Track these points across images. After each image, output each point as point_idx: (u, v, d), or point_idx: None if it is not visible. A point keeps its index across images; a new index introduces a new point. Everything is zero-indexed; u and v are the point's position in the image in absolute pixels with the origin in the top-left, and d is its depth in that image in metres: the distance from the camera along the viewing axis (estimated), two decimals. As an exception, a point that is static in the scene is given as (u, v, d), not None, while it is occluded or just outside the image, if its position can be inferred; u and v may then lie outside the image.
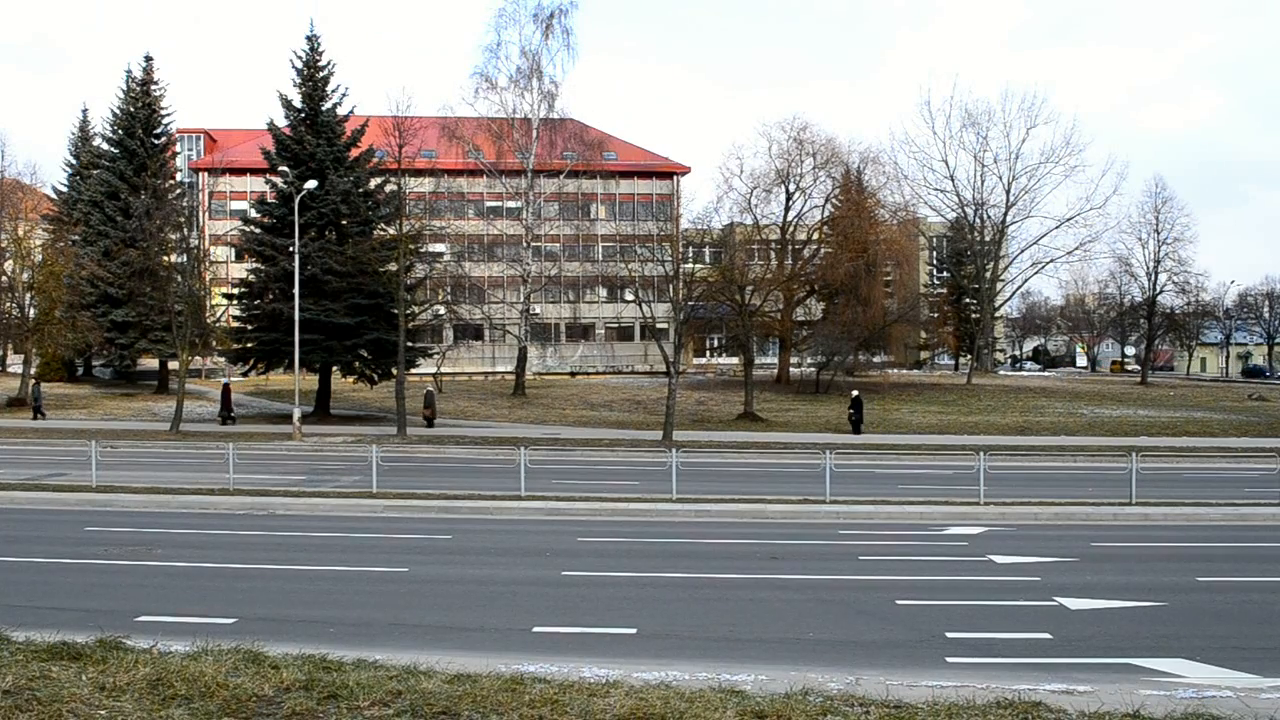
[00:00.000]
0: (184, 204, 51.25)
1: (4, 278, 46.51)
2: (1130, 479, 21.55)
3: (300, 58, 44.27)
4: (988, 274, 72.75)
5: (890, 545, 17.03)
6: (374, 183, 44.85)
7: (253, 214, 46.66)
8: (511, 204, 61.57)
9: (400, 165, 38.75)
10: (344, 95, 44.62)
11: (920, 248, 74.36)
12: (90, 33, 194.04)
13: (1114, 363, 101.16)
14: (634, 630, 10.90)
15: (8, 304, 46.95)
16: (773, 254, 57.81)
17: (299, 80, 44.31)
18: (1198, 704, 7.85)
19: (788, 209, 57.53)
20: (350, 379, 45.49)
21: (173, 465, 28.57)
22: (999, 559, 15.46)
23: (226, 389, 42.69)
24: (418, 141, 40.90)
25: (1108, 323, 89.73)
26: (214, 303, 47.62)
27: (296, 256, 37.50)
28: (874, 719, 7.16)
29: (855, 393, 42.70)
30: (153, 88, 53.25)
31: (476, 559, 15.57)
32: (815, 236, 58.57)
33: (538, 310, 63.33)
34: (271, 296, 42.76)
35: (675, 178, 70.81)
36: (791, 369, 60.62)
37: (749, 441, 36.63)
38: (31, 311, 47.45)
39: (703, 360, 74.08)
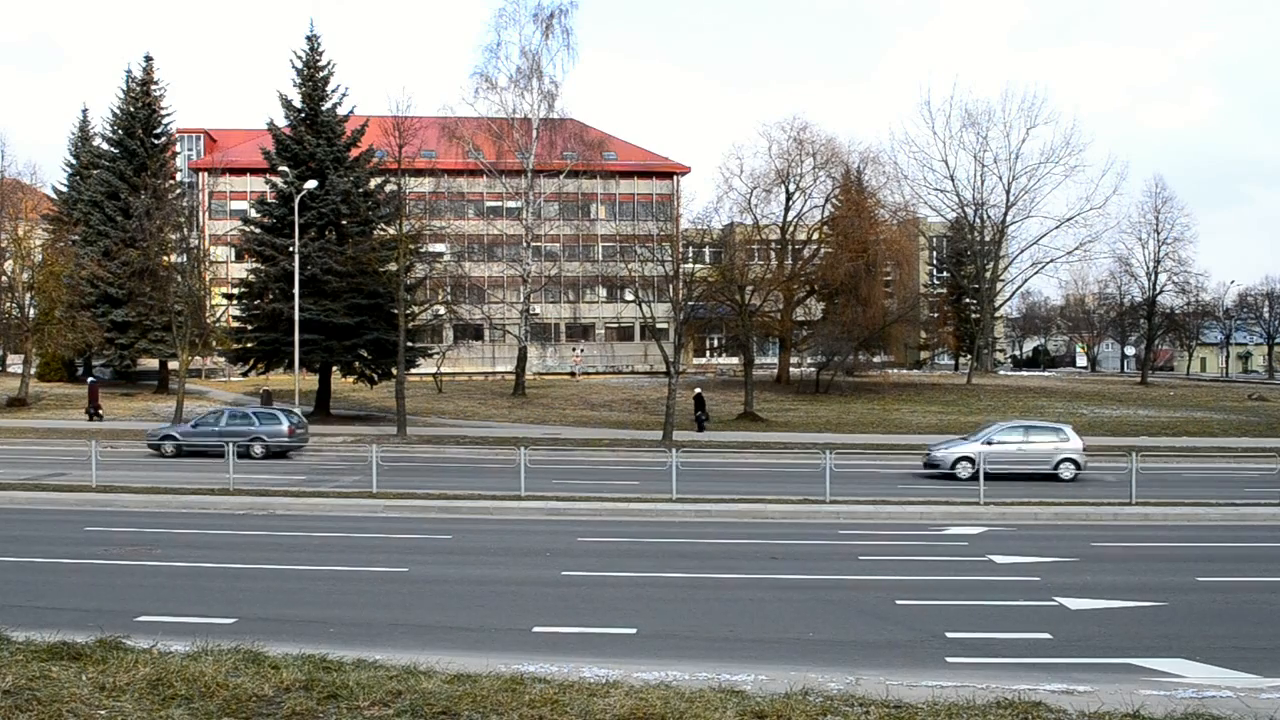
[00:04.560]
0: (184, 204, 51.15)
1: (4, 278, 46.51)
2: (1130, 479, 21.56)
3: (300, 58, 44.29)
4: (988, 274, 72.71)
5: (890, 545, 17.03)
6: (374, 183, 44.85)
7: (253, 214, 46.66)
8: (511, 204, 61.54)
9: (400, 165, 38.76)
10: (344, 95, 44.70)
11: (920, 248, 74.28)
12: (90, 33, 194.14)
13: None
14: (634, 630, 10.91)
15: (8, 304, 46.96)
16: (773, 254, 57.78)
17: (299, 80, 44.32)
18: (1198, 704, 7.85)
19: (788, 209, 57.54)
20: (350, 379, 45.51)
21: (172, 465, 28.60)
22: (999, 559, 15.47)
23: (93, 386, 42.95)
24: (418, 141, 40.91)
25: (1108, 323, 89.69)
26: (214, 303, 47.61)
27: (296, 256, 37.51)
28: (874, 719, 7.16)
29: (698, 390, 42.81)
30: (153, 88, 53.24)
31: (476, 559, 15.58)
32: (815, 236, 58.56)
33: (538, 310, 63.32)
34: (271, 296, 42.76)
35: (675, 178, 70.78)
36: (791, 369, 60.61)
37: (749, 441, 36.64)
38: (31, 311, 47.44)
39: (703, 360, 74.05)
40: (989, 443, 28.07)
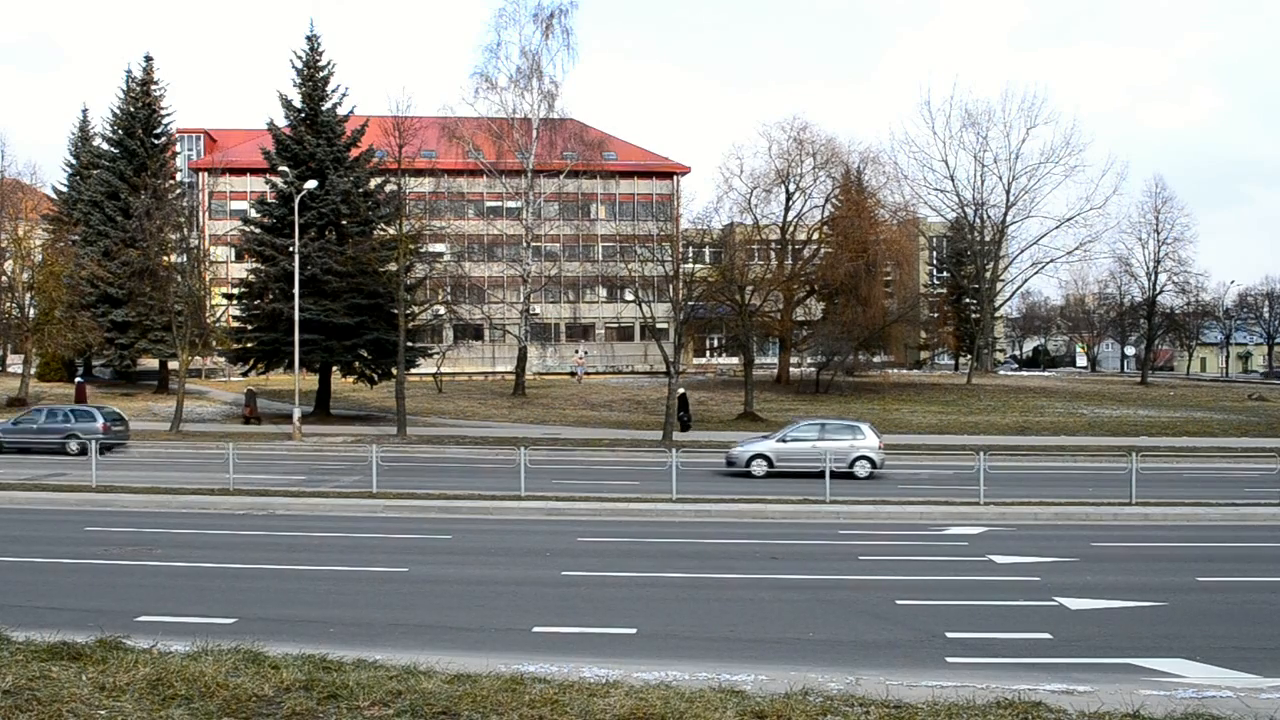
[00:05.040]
0: (184, 204, 51.17)
1: (4, 278, 46.50)
2: (1130, 479, 21.56)
3: (300, 58, 44.30)
4: (988, 274, 72.73)
5: (890, 545, 17.04)
6: (374, 183, 44.85)
7: (253, 214, 46.67)
8: (511, 204, 61.54)
9: (400, 165, 38.77)
10: (344, 95, 44.71)
11: (920, 248, 74.28)
12: (90, 33, 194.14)
13: None
14: (634, 630, 10.91)
15: (8, 304, 46.95)
16: (773, 254, 57.76)
17: (299, 80, 44.32)
18: (1198, 704, 7.85)
19: (788, 209, 57.51)
20: (350, 379, 45.51)
21: (173, 465, 28.61)
22: (999, 559, 15.47)
23: (80, 386, 43.13)
24: (418, 141, 40.91)
25: (1108, 323, 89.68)
26: (214, 303, 47.60)
27: (296, 256, 37.52)
28: (874, 719, 7.16)
29: (681, 391, 42.84)
30: (153, 88, 53.24)
31: (476, 559, 15.58)
32: (815, 236, 58.53)
33: (538, 310, 63.30)
34: (271, 296, 42.77)
35: (675, 178, 70.77)
36: (791, 369, 60.59)
37: (749, 441, 36.58)
38: (31, 311, 47.44)
39: (703, 360, 74.05)
40: (784, 440, 27.95)
